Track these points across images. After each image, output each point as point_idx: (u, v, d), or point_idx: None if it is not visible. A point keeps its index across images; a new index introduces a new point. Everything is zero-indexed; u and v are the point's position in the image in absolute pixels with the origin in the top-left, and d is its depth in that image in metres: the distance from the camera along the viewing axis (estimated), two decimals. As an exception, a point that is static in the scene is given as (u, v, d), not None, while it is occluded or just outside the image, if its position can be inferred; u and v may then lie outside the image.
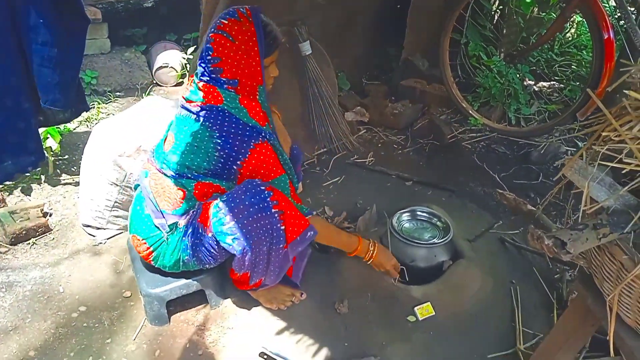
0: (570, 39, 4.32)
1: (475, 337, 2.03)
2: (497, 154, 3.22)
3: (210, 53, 1.82)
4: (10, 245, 2.45)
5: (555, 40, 4.11)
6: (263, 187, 1.81)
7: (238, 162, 1.82)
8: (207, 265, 1.98)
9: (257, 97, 1.91)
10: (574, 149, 3.11)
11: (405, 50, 3.71)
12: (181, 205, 1.91)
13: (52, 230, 2.58)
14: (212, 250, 1.87)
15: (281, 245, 1.85)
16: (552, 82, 3.84)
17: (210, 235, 1.83)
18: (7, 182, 2.82)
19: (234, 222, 1.76)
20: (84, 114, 3.42)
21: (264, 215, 1.79)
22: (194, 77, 1.95)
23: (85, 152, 2.59)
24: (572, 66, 3.99)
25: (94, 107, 3.67)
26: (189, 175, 1.89)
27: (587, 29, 3.46)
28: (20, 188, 2.83)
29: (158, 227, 1.95)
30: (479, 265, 2.24)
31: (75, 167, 3.00)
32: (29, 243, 2.48)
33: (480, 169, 3.08)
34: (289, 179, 1.97)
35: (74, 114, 1.89)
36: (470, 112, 3.44)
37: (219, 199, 1.81)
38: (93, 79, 3.91)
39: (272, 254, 1.86)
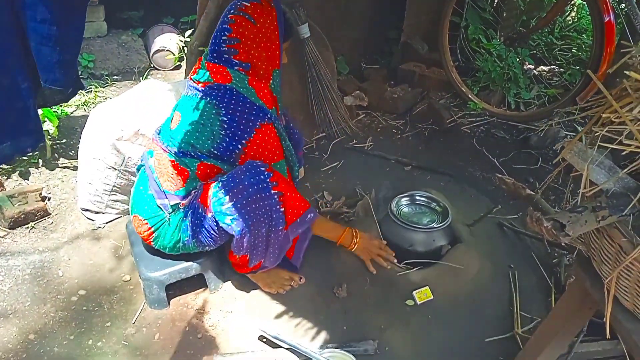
0: (570, 22, 4.29)
1: (474, 321, 2.04)
2: (496, 139, 3.21)
3: (228, 34, 1.82)
4: (9, 229, 2.45)
5: (556, 24, 4.08)
6: (263, 168, 1.81)
7: (243, 142, 1.82)
8: (207, 248, 1.98)
9: (270, 81, 1.93)
10: (574, 134, 3.10)
11: (404, 34, 3.69)
12: (184, 186, 1.92)
13: (50, 214, 2.57)
14: (211, 232, 1.88)
15: (280, 227, 1.86)
16: (552, 66, 3.82)
17: (210, 215, 1.83)
18: (5, 166, 2.81)
19: (232, 202, 1.76)
20: (82, 98, 3.42)
21: (263, 196, 1.79)
22: (202, 59, 1.96)
23: (83, 136, 2.58)
24: (573, 50, 3.97)
25: (91, 91, 3.65)
26: (193, 154, 1.89)
27: (588, 12, 3.43)
28: (18, 172, 2.82)
29: (160, 207, 1.96)
30: (477, 249, 2.25)
31: (73, 151, 2.99)
32: (28, 227, 2.48)
33: (480, 153, 3.08)
34: (286, 166, 1.98)
35: (71, 93, 1.87)
36: (470, 96, 3.43)
37: (219, 180, 1.82)
38: (90, 63, 3.87)
39: (271, 235, 1.87)
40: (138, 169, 2.16)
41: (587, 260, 1.40)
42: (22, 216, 2.47)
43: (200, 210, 1.87)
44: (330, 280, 2.18)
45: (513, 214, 2.55)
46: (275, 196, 1.81)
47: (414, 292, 2.08)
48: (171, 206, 1.94)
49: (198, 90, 1.87)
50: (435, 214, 2.35)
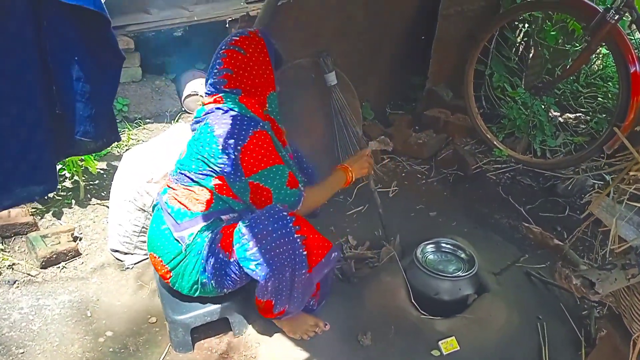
0: (596, 70, 4.30)
1: (501, 374, 2.00)
2: (523, 186, 3.19)
3: (219, 67, 1.97)
4: (41, 268, 2.51)
5: (581, 72, 4.10)
6: (285, 213, 1.85)
7: (238, 147, 1.87)
8: (226, 290, 2.00)
9: (266, 104, 2.05)
10: (601, 182, 3.07)
11: (429, 80, 3.74)
12: (211, 204, 1.97)
13: (81, 254, 2.64)
14: (233, 276, 1.90)
15: (304, 271, 1.88)
16: (577, 114, 3.82)
17: (233, 260, 1.85)
18: (39, 205, 2.91)
19: (257, 248, 1.79)
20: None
21: (286, 240, 1.81)
22: (193, 101, 2.09)
23: (115, 178, 2.67)
24: (598, 98, 3.97)
25: (124, 134, 3.77)
26: (204, 173, 1.94)
27: (613, 62, 3.45)
28: (52, 212, 2.91)
29: (177, 240, 1.98)
30: (504, 299, 2.22)
31: (105, 192, 3.08)
32: (59, 267, 2.54)
33: (506, 200, 3.06)
34: (289, 170, 1.99)
35: (105, 144, 1.94)
36: (495, 143, 3.44)
37: (241, 224, 1.84)
38: (124, 107, 4.02)
39: (295, 279, 1.88)
40: (153, 208, 2.20)
41: (618, 316, 1.38)
42: (54, 256, 2.53)
43: (221, 256, 1.90)
44: (354, 328, 2.17)
45: (541, 264, 2.52)
46: (299, 240, 1.84)
47: (439, 342, 2.05)
48: (188, 236, 1.97)
49: (197, 122, 2.00)
50: (461, 261, 2.33)
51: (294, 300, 1.95)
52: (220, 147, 1.88)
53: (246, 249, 1.81)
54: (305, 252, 1.86)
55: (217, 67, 1.97)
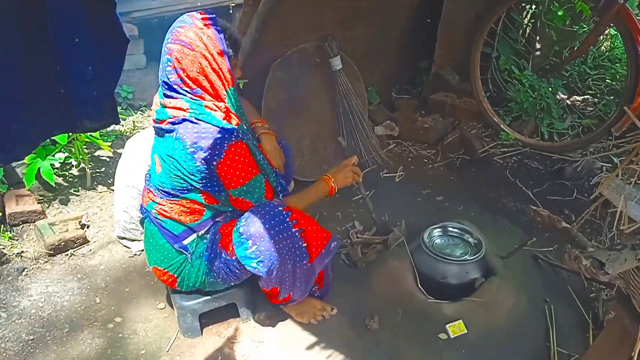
0: (604, 51, 4.25)
1: (509, 357, 2.00)
2: (530, 169, 3.17)
3: (170, 64, 1.77)
4: (50, 256, 2.53)
5: (589, 54, 4.05)
6: (281, 208, 1.86)
7: (214, 163, 1.77)
8: (231, 283, 2.03)
9: (225, 99, 1.85)
10: (609, 165, 3.05)
11: (435, 64, 3.71)
12: (204, 213, 1.93)
13: (89, 241, 2.65)
14: (238, 272, 1.93)
15: (305, 262, 1.90)
16: (585, 96, 3.77)
17: (235, 258, 1.87)
18: (49, 193, 2.92)
19: (256, 246, 1.81)
20: (121, 128, 3.54)
21: (285, 235, 1.83)
22: (158, 97, 1.91)
23: (120, 165, 2.67)
24: (606, 80, 3.92)
25: (125, 120, 3.76)
26: (190, 188, 1.86)
27: (622, 43, 3.40)
28: (59, 199, 2.92)
29: (179, 251, 1.96)
30: (512, 283, 2.21)
31: (111, 179, 3.08)
32: (67, 254, 2.56)
33: (513, 184, 3.05)
34: (264, 178, 1.94)
35: (103, 125, 1.93)
36: (502, 126, 3.41)
37: (238, 223, 1.86)
38: (129, 94, 4.02)
39: (297, 270, 1.91)
40: (141, 222, 2.15)
41: (627, 297, 1.37)
42: (63, 243, 2.55)
43: (224, 255, 1.91)
44: (362, 312, 2.18)
45: (548, 247, 2.51)
46: (297, 233, 1.86)
47: (447, 326, 2.06)
48: (189, 244, 1.96)
49: (164, 130, 1.84)
50: (468, 245, 2.33)
51: (297, 289, 1.98)
52: (198, 164, 1.77)
53: (246, 248, 1.82)
54: (305, 244, 1.89)
55: (167, 64, 1.77)
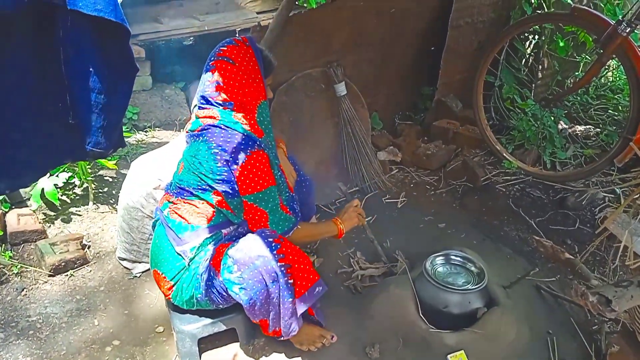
0: (605, 82, 4.28)
1: (511, 389, 1.97)
2: (532, 198, 3.17)
3: (209, 79, 1.94)
4: (49, 276, 2.52)
5: (591, 84, 4.08)
6: (271, 239, 1.87)
7: (235, 167, 1.89)
8: (220, 306, 2.02)
9: (256, 114, 2.00)
10: (612, 196, 3.05)
11: (438, 91, 3.73)
12: (213, 217, 1.97)
13: (89, 262, 2.64)
14: (223, 293, 1.92)
15: (290, 300, 1.89)
16: (587, 126, 3.79)
17: (220, 279, 1.87)
18: (51, 212, 2.93)
19: (240, 272, 1.82)
20: (125, 149, 3.55)
21: (269, 267, 1.83)
22: (193, 111, 2.08)
23: (123, 186, 2.67)
24: (609, 110, 3.94)
25: (133, 142, 3.78)
26: (204, 188, 1.94)
27: (624, 74, 3.42)
28: (61, 218, 2.92)
29: (179, 255, 1.98)
30: (514, 313, 2.19)
31: (114, 199, 3.09)
32: (67, 274, 2.54)
33: (515, 213, 3.04)
34: (278, 193, 2.01)
35: (111, 152, 1.96)
36: (504, 154, 3.42)
37: (231, 246, 1.88)
38: (134, 115, 4.04)
39: (282, 306, 1.90)
40: (153, 226, 2.19)
41: (632, 333, 1.36)
42: (63, 264, 2.54)
43: (212, 273, 1.91)
44: (362, 340, 2.16)
45: (551, 277, 2.49)
46: (282, 268, 1.85)
47: (448, 356, 2.03)
48: (191, 249, 1.97)
49: (194, 136, 1.98)
50: (470, 274, 2.31)
51: (285, 325, 1.96)
52: (219, 164, 1.89)
53: (231, 272, 1.83)
54: (291, 280, 1.88)
55: (208, 78, 1.95)
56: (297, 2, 4.37)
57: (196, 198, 1.96)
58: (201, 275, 1.94)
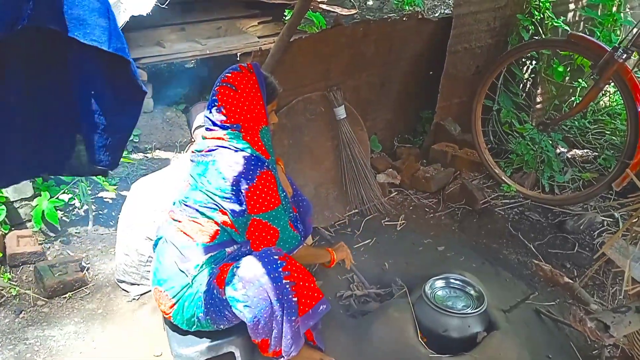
0: (603, 106, 4.32)
1: (511, 415, 1.96)
2: (531, 222, 3.18)
3: (215, 104, 2.01)
4: (47, 298, 2.51)
5: (588, 109, 4.12)
6: (276, 257, 1.88)
7: (246, 187, 1.93)
8: (221, 326, 2.00)
9: (260, 138, 2.05)
10: (610, 219, 3.06)
11: (437, 115, 3.77)
12: (217, 236, 1.98)
13: (88, 284, 2.63)
14: (226, 313, 1.91)
15: (294, 317, 1.89)
16: (585, 150, 3.82)
17: (225, 298, 1.87)
18: (51, 233, 2.94)
19: (245, 290, 1.82)
20: (126, 170, 3.57)
21: (275, 285, 1.83)
22: (195, 133, 2.10)
23: (124, 208, 2.68)
24: (606, 134, 3.98)
25: (134, 165, 3.80)
26: (210, 206, 1.97)
27: (622, 100, 3.46)
28: (60, 240, 2.92)
29: (182, 271, 1.98)
30: (514, 337, 2.19)
31: (113, 222, 3.09)
32: (65, 297, 2.54)
33: (514, 236, 3.05)
34: (284, 210, 2.06)
35: (106, 172, 1.97)
36: (503, 178, 3.44)
37: (236, 264, 1.88)
38: (135, 137, 4.05)
39: (285, 325, 1.89)
40: (155, 246, 2.19)
41: (631, 358, 1.36)
42: (61, 286, 2.53)
43: (215, 292, 1.90)
44: (362, 365, 2.14)
45: (550, 301, 2.49)
46: (287, 286, 1.85)
47: (448, 381, 2.02)
48: (194, 268, 1.96)
49: (202, 156, 2.03)
50: (470, 298, 2.31)
51: (287, 343, 1.94)
52: (228, 183, 1.93)
53: (235, 289, 1.83)
54: (295, 299, 1.88)
55: (214, 103, 2.02)
56: (298, 28, 4.45)
57: (202, 216, 1.98)
58: (204, 293, 1.93)
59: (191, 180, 2.06)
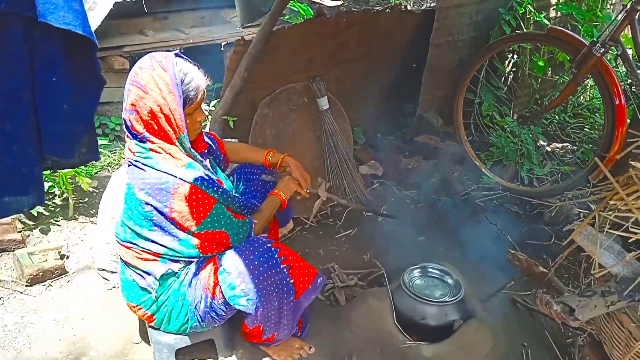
0: (583, 101, 4.39)
1: (485, 400, 2.00)
2: (510, 213, 3.23)
3: (127, 106, 1.78)
4: (27, 286, 2.50)
5: (568, 103, 4.18)
6: (269, 245, 1.89)
7: (165, 210, 1.77)
8: (216, 325, 2.02)
9: (176, 143, 1.80)
10: (587, 211, 3.11)
11: (420, 107, 3.80)
12: (160, 256, 1.87)
13: (68, 272, 2.62)
14: (222, 314, 1.92)
15: (291, 298, 1.91)
16: (564, 144, 3.88)
17: (220, 301, 1.87)
18: (30, 222, 2.91)
19: (245, 283, 1.82)
20: (107, 159, 3.55)
21: (274, 272, 1.85)
22: None
23: (104, 197, 2.66)
24: (585, 129, 4.04)
25: (115, 153, 3.77)
26: (145, 245, 1.85)
27: (599, 93, 3.52)
28: (39, 229, 2.90)
29: (145, 289, 1.92)
30: (490, 326, 2.23)
31: (94, 210, 3.07)
32: (45, 284, 2.52)
33: (493, 227, 3.08)
34: (225, 206, 1.87)
35: (82, 161, 1.96)
36: (483, 170, 3.48)
37: (224, 261, 1.85)
38: (117, 126, 4.03)
39: (283, 307, 1.91)
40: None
41: (599, 343, 1.40)
42: (41, 273, 2.52)
43: (209, 300, 1.89)
44: (340, 351, 2.17)
45: (526, 290, 2.54)
46: (285, 270, 1.88)
47: (425, 367, 2.06)
48: (153, 282, 1.89)
49: (126, 171, 1.87)
50: (447, 287, 2.35)
51: (283, 327, 1.98)
52: (147, 209, 1.78)
53: (234, 287, 1.82)
54: (292, 280, 1.90)
55: (128, 104, 1.77)
56: (284, 19, 4.44)
57: (145, 250, 1.86)
58: (196, 306, 1.91)
59: (122, 205, 1.88)
